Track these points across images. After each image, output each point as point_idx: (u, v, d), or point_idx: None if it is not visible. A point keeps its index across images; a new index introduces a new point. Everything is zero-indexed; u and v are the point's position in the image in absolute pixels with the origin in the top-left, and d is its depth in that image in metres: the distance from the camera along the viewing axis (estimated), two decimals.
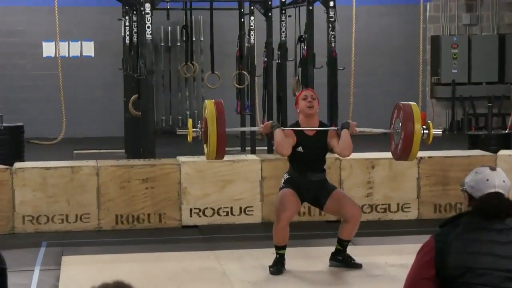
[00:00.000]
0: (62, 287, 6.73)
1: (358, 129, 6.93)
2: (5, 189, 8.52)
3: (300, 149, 6.80)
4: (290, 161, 6.94)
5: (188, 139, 6.98)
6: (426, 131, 6.92)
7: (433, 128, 6.95)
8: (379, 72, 17.42)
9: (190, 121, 7.17)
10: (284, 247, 6.91)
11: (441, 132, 7.34)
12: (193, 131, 6.90)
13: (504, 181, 3.52)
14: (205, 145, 6.89)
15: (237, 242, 8.11)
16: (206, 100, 7.00)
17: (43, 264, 7.47)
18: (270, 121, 7.13)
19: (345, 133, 6.81)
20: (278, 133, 6.76)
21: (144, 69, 10.24)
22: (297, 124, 6.95)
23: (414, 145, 6.83)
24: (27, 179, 8.57)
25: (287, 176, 6.89)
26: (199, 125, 6.88)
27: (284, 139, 6.74)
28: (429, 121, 7.28)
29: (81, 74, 17.24)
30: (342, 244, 6.98)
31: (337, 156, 9.09)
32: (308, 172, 6.82)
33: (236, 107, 14.10)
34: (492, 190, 3.48)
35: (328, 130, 6.94)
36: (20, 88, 17.06)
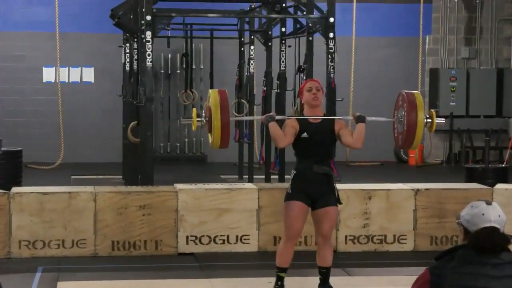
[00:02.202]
0: None
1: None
2: (2, 214, 8.52)
3: (305, 134, 6.73)
4: (297, 152, 6.82)
5: (193, 128, 7.06)
6: (429, 120, 6.99)
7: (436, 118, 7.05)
8: (377, 104, 17.48)
9: (194, 110, 7.25)
10: (285, 270, 6.86)
11: (444, 121, 7.46)
12: (197, 120, 6.97)
13: (499, 216, 3.53)
14: (209, 134, 6.95)
15: (233, 271, 8.10)
16: (210, 90, 7.10)
17: None
18: (270, 113, 7.05)
19: (361, 126, 6.80)
20: (271, 126, 6.74)
21: (144, 96, 10.27)
22: (302, 115, 6.90)
23: (417, 134, 6.93)
24: (24, 204, 8.57)
25: (294, 173, 6.78)
26: (203, 114, 6.95)
27: (278, 131, 6.70)
28: (432, 110, 7.33)
29: (81, 99, 17.29)
30: (321, 272, 6.91)
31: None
32: (314, 165, 6.70)
33: (235, 136, 14.15)
34: (488, 225, 3.50)
35: (334, 121, 6.85)
36: (19, 112, 17.11)
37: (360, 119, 6.83)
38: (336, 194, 6.81)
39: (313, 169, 6.70)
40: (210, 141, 6.98)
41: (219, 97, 6.87)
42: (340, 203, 6.89)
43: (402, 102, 7.12)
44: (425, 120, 7.01)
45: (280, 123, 7.00)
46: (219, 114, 6.77)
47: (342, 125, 6.86)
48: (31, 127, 17.13)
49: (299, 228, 6.73)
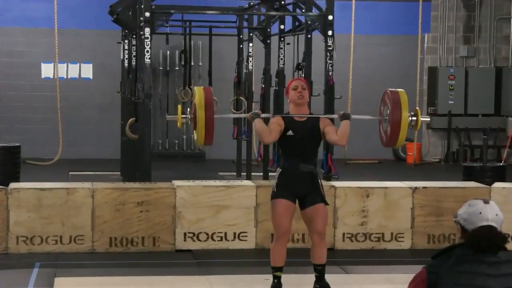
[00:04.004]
0: None
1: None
2: (0, 209, 8.52)
3: (290, 132, 6.77)
4: (282, 151, 6.88)
5: (178, 125, 7.12)
6: (414, 118, 7.01)
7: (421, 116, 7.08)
8: (376, 101, 17.45)
9: (179, 107, 7.30)
10: (281, 269, 6.88)
11: (429, 119, 7.49)
12: (182, 117, 7.04)
13: (497, 215, 3.53)
14: (194, 131, 7.00)
15: (231, 268, 8.11)
16: (195, 87, 7.15)
17: (36, 286, 7.45)
18: (255, 111, 7.12)
19: (346, 123, 6.82)
20: (257, 122, 6.78)
21: (142, 92, 10.27)
22: (287, 113, 6.95)
23: (401, 132, 6.95)
24: (22, 200, 8.58)
25: (280, 171, 6.82)
26: (188, 111, 7.02)
27: (263, 128, 6.74)
28: (417, 108, 7.34)
29: (79, 96, 17.29)
30: (316, 270, 6.92)
31: (332, 183, 9.16)
32: (299, 163, 6.74)
33: (233, 133, 14.15)
34: (485, 223, 3.50)
35: (319, 119, 6.90)
36: (17, 108, 17.10)
37: (344, 117, 6.88)
38: (322, 193, 6.82)
39: (299, 168, 6.74)
40: (195, 138, 7.04)
41: (204, 94, 6.93)
42: (327, 204, 6.89)
43: (387, 100, 7.13)
44: (410, 118, 7.02)
45: (266, 121, 7.03)
46: (203, 111, 6.83)
47: (327, 123, 6.89)
48: (29, 123, 17.12)
49: (288, 225, 6.76)
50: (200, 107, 6.87)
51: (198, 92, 7.00)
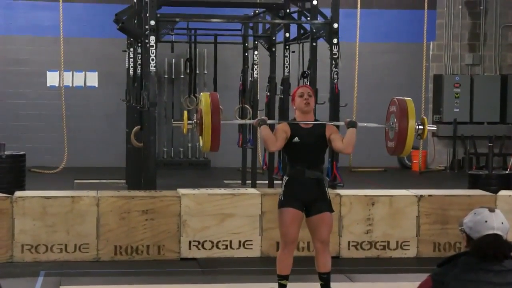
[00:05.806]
0: None
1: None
2: (5, 218, 8.52)
3: (296, 139, 6.77)
4: (288, 158, 6.88)
5: (184, 131, 7.10)
6: (420, 127, 7.00)
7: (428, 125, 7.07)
8: (381, 109, 17.44)
9: (185, 112, 7.28)
10: (287, 277, 6.86)
11: (435, 128, 7.47)
12: (188, 123, 7.02)
13: (502, 223, 3.52)
14: (200, 137, 6.99)
15: (236, 276, 8.10)
16: (201, 93, 7.14)
17: None
18: (261, 117, 7.13)
19: (352, 131, 6.82)
20: (263, 130, 6.80)
21: (147, 100, 10.27)
22: (293, 120, 6.96)
23: (408, 141, 6.93)
24: (27, 208, 8.58)
25: (286, 179, 6.80)
26: (194, 117, 7.01)
27: (269, 135, 6.75)
28: (424, 117, 7.33)
29: (84, 104, 17.31)
30: (322, 278, 6.90)
31: (337, 191, 9.15)
32: (306, 170, 6.72)
33: (238, 141, 14.15)
34: (491, 232, 3.49)
35: (325, 126, 6.89)
36: (23, 116, 17.12)
37: (351, 124, 6.87)
38: (328, 199, 6.81)
39: (305, 174, 6.73)
40: (201, 144, 7.03)
41: (210, 100, 6.92)
42: (332, 210, 6.87)
43: (394, 108, 7.12)
44: (417, 127, 7.01)
45: (272, 127, 7.02)
46: (210, 117, 6.82)
47: (333, 130, 6.88)
48: (34, 131, 17.14)
49: (295, 234, 6.75)
50: (207, 112, 6.85)
51: (205, 97, 6.99)
